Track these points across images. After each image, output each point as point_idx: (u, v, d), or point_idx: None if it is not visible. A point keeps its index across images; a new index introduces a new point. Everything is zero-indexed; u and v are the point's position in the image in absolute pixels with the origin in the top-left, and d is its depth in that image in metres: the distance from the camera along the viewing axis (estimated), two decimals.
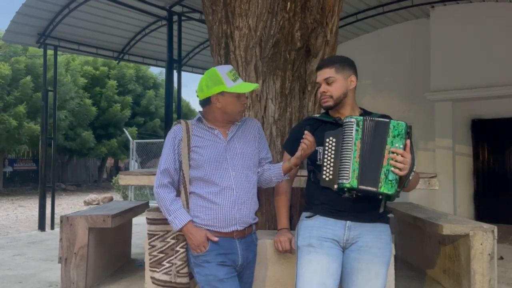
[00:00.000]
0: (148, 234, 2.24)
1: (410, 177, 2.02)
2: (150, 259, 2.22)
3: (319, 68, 2.29)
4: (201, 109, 2.28)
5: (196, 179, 2.15)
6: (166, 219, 2.16)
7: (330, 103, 2.23)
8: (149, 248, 2.23)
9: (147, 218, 2.26)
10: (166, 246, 2.19)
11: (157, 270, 2.19)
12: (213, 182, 2.12)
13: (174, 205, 2.12)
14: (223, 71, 2.15)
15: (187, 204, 2.15)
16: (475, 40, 7.69)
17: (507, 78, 7.38)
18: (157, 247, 2.20)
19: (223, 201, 2.11)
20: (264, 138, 2.40)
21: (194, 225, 2.11)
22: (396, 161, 1.95)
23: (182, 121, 2.23)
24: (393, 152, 1.97)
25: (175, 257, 2.17)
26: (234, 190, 2.13)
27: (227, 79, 2.12)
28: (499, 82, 7.45)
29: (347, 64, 2.25)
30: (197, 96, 2.23)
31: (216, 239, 2.09)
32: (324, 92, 2.24)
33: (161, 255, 2.19)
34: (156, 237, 2.21)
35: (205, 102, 2.20)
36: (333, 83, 2.22)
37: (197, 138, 2.17)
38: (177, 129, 2.19)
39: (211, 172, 2.12)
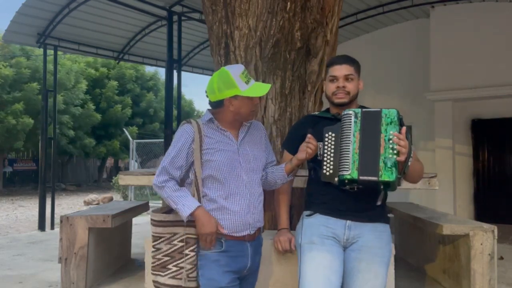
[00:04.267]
0: (153, 236, 2.15)
1: (409, 163, 2.02)
2: (154, 262, 2.13)
3: (339, 62, 2.26)
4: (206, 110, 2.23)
5: (209, 182, 2.10)
6: (173, 221, 2.10)
7: (346, 99, 2.23)
8: (153, 251, 2.14)
9: (153, 220, 2.16)
10: (173, 249, 2.10)
11: (162, 274, 2.10)
12: (227, 187, 2.08)
13: (181, 193, 2.05)
14: (236, 73, 2.08)
15: None
16: (475, 40, 7.68)
17: (507, 78, 7.38)
18: (162, 250, 2.11)
19: (238, 207, 2.08)
20: (268, 141, 2.39)
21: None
22: (395, 144, 1.95)
23: (192, 120, 2.17)
24: (390, 138, 1.97)
25: (184, 261, 2.08)
26: (247, 195, 2.11)
27: (240, 82, 2.06)
28: (499, 82, 7.44)
29: (359, 67, 2.29)
30: (207, 97, 2.17)
31: (225, 231, 2.05)
32: (343, 87, 2.21)
33: (166, 258, 2.10)
34: (162, 239, 2.12)
35: (217, 105, 2.13)
36: (351, 81, 2.23)
37: (209, 140, 2.11)
38: (188, 129, 2.11)
39: (224, 177, 2.08)
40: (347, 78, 2.22)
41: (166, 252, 2.11)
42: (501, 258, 5.07)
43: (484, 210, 7.85)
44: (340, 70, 2.23)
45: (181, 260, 2.09)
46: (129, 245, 4.96)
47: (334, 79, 2.24)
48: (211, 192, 2.09)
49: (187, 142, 2.09)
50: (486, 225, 3.25)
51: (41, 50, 8.35)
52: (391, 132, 1.98)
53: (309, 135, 2.13)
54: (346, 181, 2.03)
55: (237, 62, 3.36)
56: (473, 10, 7.78)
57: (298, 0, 3.29)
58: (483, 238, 3.17)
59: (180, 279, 2.09)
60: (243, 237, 2.10)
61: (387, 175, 1.96)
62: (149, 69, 22.76)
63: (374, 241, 2.13)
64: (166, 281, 2.10)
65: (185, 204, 2.02)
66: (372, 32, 9.27)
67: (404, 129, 1.99)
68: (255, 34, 3.30)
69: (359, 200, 2.12)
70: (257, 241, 2.19)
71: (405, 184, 2.36)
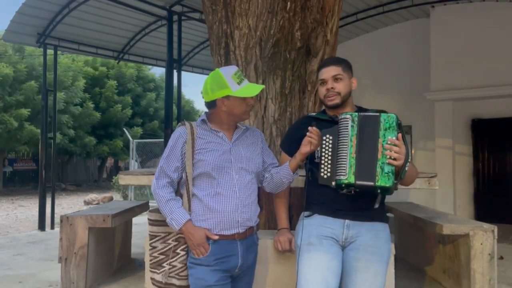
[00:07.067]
0: (150, 235, 2.22)
1: (406, 168, 2.02)
2: (151, 260, 2.20)
3: (326, 65, 2.29)
4: (206, 110, 2.26)
5: (199, 181, 2.13)
6: None
7: (337, 100, 2.23)
8: (150, 249, 2.20)
9: (149, 219, 2.23)
10: (167, 248, 2.16)
11: (157, 271, 2.17)
12: (217, 186, 2.10)
13: (172, 205, 2.10)
14: (228, 74, 2.11)
15: (189, 207, 2.13)
16: (475, 40, 7.68)
17: (507, 78, 7.37)
18: (158, 249, 2.18)
19: (226, 205, 2.09)
20: (266, 145, 2.40)
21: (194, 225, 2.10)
22: (390, 151, 1.96)
23: (186, 122, 2.20)
24: (387, 143, 1.97)
25: (176, 260, 2.14)
26: (237, 193, 2.11)
27: (232, 83, 2.09)
28: (499, 82, 7.44)
29: (349, 66, 2.30)
30: (203, 98, 2.20)
31: (216, 237, 2.07)
32: (332, 88, 2.23)
33: (162, 256, 2.16)
34: (157, 238, 2.19)
35: (211, 105, 2.17)
36: (340, 81, 2.23)
37: (201, 141, 2.14)
38: (181, 131, 2.16)
39: (214, 175, 2.10)
40: (335, 78, 2.24)
41: (162, 251, 2.17)
42: (501, 258, 5.07)
43: (484, 210, 7.85)
44: (328, 72, 2.25)
45: (174, 259, 2.15)
46: (129, 245, 4.96)
47: (323, 82, 2.28)
48: (200, 191, 2.12)
49: (179, 145, 2.14)
50: (486, 225, 3.25)
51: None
52: (388, 137, 1.98)
53: (310, 128, 2.12)
54: (343, 185, 2.03)
55: (237, 62, 3.36)
56: (473, 10, 7.78)
57: (298, 0, 3.30)
58: (483, 238, 3.17)
59: (174, 277, 2.15)
60: (232, 235, 2.11)
61: (383, 181, 1.97)
62: (154, 71, 22.82)
63: (372, 240, 2.13)
64: (160, 278, 2.16)
65: (173, 219, 2.08)
66: (372, 32, 9.26)
67: (400, 135, 2.00)
68: (255, 34, 3.30)
69: (357, 200, 2.12)
70: (249, 240, 2.19)
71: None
